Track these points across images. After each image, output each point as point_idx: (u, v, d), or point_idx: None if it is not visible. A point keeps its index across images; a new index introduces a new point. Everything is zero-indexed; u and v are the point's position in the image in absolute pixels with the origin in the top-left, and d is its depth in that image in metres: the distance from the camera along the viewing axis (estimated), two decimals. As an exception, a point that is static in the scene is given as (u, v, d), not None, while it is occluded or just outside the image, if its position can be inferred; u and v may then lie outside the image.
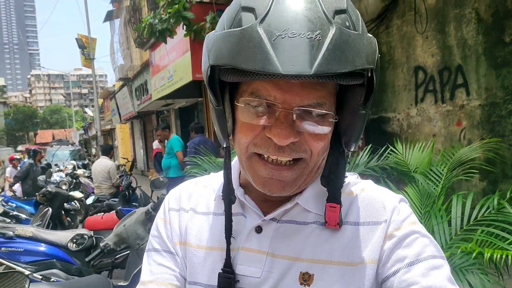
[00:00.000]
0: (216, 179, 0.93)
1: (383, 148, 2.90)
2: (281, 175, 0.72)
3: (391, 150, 2.79)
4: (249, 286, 0.79)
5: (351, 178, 0.88)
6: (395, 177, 2.85)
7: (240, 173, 0.87)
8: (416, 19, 5.47)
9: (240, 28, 0.63)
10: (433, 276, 0.70)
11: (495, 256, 1.62)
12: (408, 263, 0.72)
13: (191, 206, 0.90)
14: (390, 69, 5.97)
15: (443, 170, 2.11)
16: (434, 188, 2.08)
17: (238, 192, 0.83)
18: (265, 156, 0.72)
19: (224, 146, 0.80)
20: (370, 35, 0.68)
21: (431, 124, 5.41)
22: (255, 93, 0.69)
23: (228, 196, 0.80)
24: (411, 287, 0.70)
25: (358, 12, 0.70)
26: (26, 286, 1.14)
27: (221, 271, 0.79)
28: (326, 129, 0.71)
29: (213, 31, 0.73)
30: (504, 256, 1.62)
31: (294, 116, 0.67)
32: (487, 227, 1.85)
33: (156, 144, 10.31)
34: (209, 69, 0.69)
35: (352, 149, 0.78)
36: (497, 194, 2.02)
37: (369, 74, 0.68)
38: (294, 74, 0.58)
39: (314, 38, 0.59)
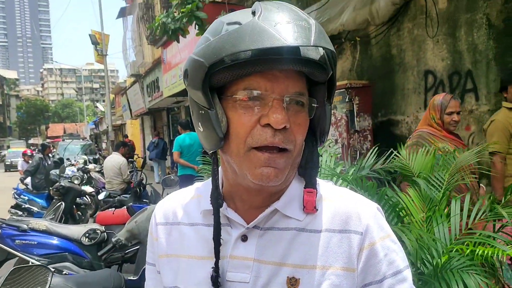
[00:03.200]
0: (201, 190, 0.97)
1: (389, 151, 2.96)
2: (275, 162, 0.79)
3: (395, 155, 2.85)
4: None
5: (329, 185, 0.94)
6: (401, 180, 2.91)
7: (222, 186, 0.92)
8: (427, 22, 5.49)
9: (238, 26, 0.75)
10: None
11: (486, 253, 1.71)
12: (379, 280, 0.83)
13: (179, 219, 0.95)
14: (400, 72, 6.00)
15: (445, 175, 2.17)
16: (436, 194, 2.15)
17: (223, 205, 0.88)
18: (261, 147, 0.78)
19: (211, 152, 0.87)
20: None
21: (440, 128, 5.43)
22: (248, 87, 0.78)
23: (216, 200, 0.86)
24: None
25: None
26: (49, 279, 1.22)
27: (211, 269, 0.86)
28: (307, 117, 0.82)
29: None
30: (495, 255, 1.70)
31: (284, 103, 0.78)
32: (484, 230, 1.93)
33: None
34: (205, 72, 0.77)
35: (324, 141, 0.89)
36: (487, 196, 2.10)
37: (331, 72, 0.82)
38: (300, 45, 0.72)
39: (304, 25, 0.75)
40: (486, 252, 1.73)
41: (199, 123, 0.84)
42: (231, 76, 0.77)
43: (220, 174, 0.93)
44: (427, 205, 2.11)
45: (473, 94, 4.98)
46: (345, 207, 0.86)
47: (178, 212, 0.96)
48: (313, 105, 0.82)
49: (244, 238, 0.87)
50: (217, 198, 0.87)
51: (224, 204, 0.88)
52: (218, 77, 0.78)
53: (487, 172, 3.21)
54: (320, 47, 0.76)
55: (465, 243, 1.84)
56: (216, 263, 0.85)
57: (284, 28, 0.72)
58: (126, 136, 21.60)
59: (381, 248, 0.83)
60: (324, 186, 0.92)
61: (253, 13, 0.77)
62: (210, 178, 0.96)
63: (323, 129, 0.86)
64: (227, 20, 0.79)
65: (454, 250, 1.85)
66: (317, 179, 0.92)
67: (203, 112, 0.81)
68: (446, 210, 2.10)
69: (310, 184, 0.86)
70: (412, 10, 5.75)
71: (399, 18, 5.93)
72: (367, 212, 0.86)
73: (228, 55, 0.74)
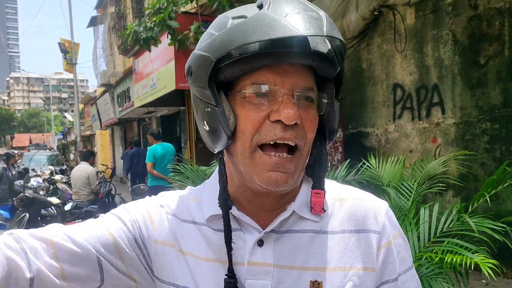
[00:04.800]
0: (197, 193, 0.92)
1: (360, 163, 3.00)
2: (285, 167, 0.75)
3: (367, 165, 2.89)
4: None
5: (334, 184, 0.92)
6: (371, 190, 2.95)
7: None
8: (396, 38, 5.64)
9: (247, 18, 0.72)
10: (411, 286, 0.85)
11: (454, 260, 1.75)
12: (394, 278, 0.83)
13: (181, 214, 0.89)
14: (370, 85, 6.13)
15: (413, 184, 2.22)
16: (405, 202, 2.19)
17: (233, 209, 0.83)
18: (271, 143, 0.75)
19: (216, 152, 0.83)
20: None
21: (408, 140, 5.56)
22: (256, 82, 0.74)
23: (225, 202, 0.81)
24: None
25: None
26: None
27: (226, 277, 0.80)
28: (316, 113, 0.79)
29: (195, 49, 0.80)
30: (463, 262, 1.74)
31: (295, 98, 0.74)
32: (452, 238, 1.98)
33: None
34: (212, 67, 0.73)
35: (333, 139, 0.86)
36: (456, 206, 2.16)
37: (339, 67, 0.78)
38: (313, 34, 0.69)
39: (315, 16, 0.72)
40: (454, 259, 1.76)
41: (205, 122, 0.80)
42: (239, 70, 0.73)
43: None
44: (396, 214, 2.14)
45: (440, 107, 5.13)
46: (360, 207, 0.86)
47: (180, 207, 0.90)
48: (323, 100, 0.79)
49: (260, 243, 0.82)
50: (226, 200, 0.81)
51: (234, 207, 0.84)
52: (224, 73, 0.75)
53: (454, 183, 3.30)
54: (334, 37, 0.73)
55: (434, 251, 1.87)
56: (231, 270, 0.80)
57: (295, 18, 0.70)
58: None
59: (395, 246, 0.84)
60: (331, 185, 0.90)
61: (259, 6, 0.74)
62: (203, 183, 0.93)
63: (333, 126, 0.83)
64: (232, 15, 0.76)
65: (424, 258, 1.88)
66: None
67: (209, 109, 0.77)
68: (415, 219, 2.14)
69: (318, 185, 0.83)
70: (381, 26, 5.90)
71: (369, 33, 6.07)
72: (381, 211, 0.86)
73: (236, 48, 0.70)
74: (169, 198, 0.93)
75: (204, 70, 0.75)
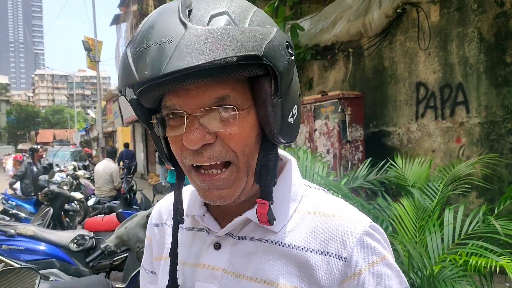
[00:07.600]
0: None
1: (383, 162, 2.97)
2: (216, 184, 0.71)
3: (391, 164, 2.86)
4: None
5: (318, 194, 0.82)
6: (393, 191, 2.92)
7: None
8: (419, 36, 5.55)
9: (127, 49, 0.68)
10: None
11: (479, 263, 1.72)
12: None
13: (166, 220, 0.92)
14: (392, 83, 6.05)
15: (439, 185, 2.19)
16: (430, 203, 2.16)
17: (201, 210, 0.82)
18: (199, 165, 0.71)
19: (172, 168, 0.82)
20: (267, 27, 0.67)
21: (431, 140, 5.47)
22: (165, 106, 0.70)
23: (175, 217, 0.81)
24: None
25: (262, 11, 0.71)
26: (37, 281, 1.18)
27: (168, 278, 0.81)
28: (235, 127, 0.68)
29: None
30: (488, 265, 1.71)
31: (201, 118, 0.67)
32: (477, 241, 1.95)
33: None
34: (127, 95, 0.75)
35: (282, 141, 0.73)
36: (482, 208, 2.13)
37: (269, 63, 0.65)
38: (148, 78, 0.61)
39: (166, 42, 0.61)
40: (479, 262, 1.73)
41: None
42: (152, 96, 0.69)
43: None
44: (420, 215, 2.11)
45: (464, 106, 5.03)
46: (330, 225, 0.74)
47: (170, 212, 0.90)
48: (237, 111, 0.68)
49: (217, 246, 0.79)
50: (176, 215, 0.81)
51: (204, 208, 0.82)
52: (143, 100, 0.71)
53: (478, 183, 3.23)
54: (178, 72, 0.60)
55: (458, 253, 1.85)
56: (173, 274, 0.80)
57: (142, 56, 0.63)
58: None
59: (371, 276, 0.70)
60: (312, 195, 0.81)
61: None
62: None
63: (271, 128, 0.70)
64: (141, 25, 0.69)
65: (448, 260, 1.85)
66: (311, 184, 0.84)
67: (150, 132, 0.78)
68: (439, 221, 2.11)
69: (264, 194, 0.73)
70: (405, 23, 5.81)
71: (392, 30, 5.99)
72: (354, 233, 0.72)
73: (119, 87, 0.70)
74: (160, 206, 0.97)
75: (127, 98, 0.75)
